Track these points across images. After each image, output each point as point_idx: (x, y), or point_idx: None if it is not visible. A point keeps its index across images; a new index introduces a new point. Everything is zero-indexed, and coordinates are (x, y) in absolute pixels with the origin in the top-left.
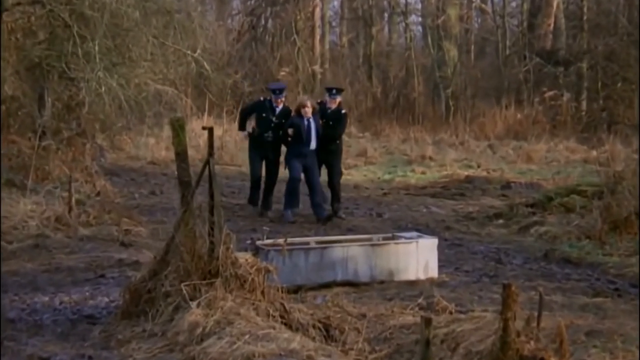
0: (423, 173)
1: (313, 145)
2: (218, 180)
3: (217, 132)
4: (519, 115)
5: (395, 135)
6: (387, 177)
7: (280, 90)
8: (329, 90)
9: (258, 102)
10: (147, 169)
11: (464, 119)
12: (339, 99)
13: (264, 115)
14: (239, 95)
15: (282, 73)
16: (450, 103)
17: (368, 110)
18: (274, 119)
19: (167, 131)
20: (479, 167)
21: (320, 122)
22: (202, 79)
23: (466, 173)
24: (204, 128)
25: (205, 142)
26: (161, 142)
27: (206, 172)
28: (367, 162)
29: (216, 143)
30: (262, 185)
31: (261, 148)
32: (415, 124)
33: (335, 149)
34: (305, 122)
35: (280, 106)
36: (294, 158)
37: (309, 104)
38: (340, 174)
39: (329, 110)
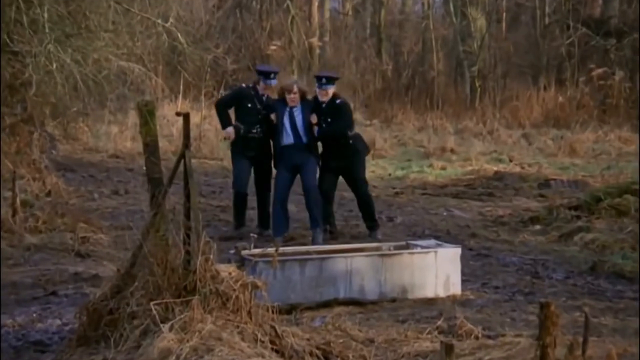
0: (443, 168)
1: (304, 139)
2: (196, 177)
3: (194, 118)
4: (560, 98)
5: (409, 123)
6: (399, 173)
7: (273, 74)
8: (318, 79)
9: (240, 90)
10: (108, 164)
11: (492, 102)
12: (331, 89)
13: (249, 105)
14: (220, 74)
15: (273, 47)
16: (477, 84)
17: (377, 92)
18: (259, 107)
19: (133, 117)
20: (511, 161)
21: (316, 119)
22: (175, 54)
23: (496, 168)
24: (178, 114)
25: (179, 130)
26: (126, 131)
27: (181, 167)
28: (376, 155)
29: (193, 132)
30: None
31: (248, 149)
32: (434, 109)
33: (348, 151)
34: (287, 111)
35: (267, 93)
36: (278, 163)
37: (295, 88)
38: (365, 182)
39: (323, 105)
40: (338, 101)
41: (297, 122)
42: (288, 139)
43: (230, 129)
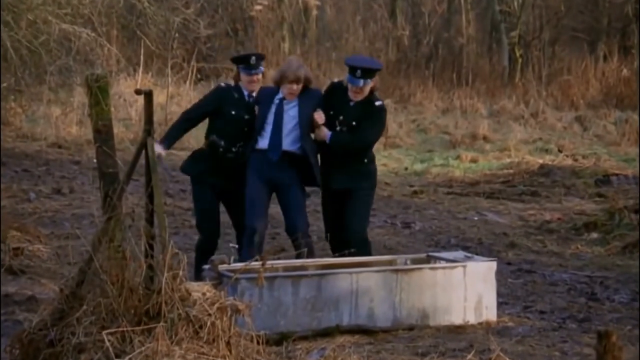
0: (474, 161)
1: (275, 153)
2: (161, 172)
3: (158, 98)
4: (624, 71)
5: (431, 104)
6: (418, 167)
7: (255, 58)
8: (352, 70)
9: (219, 92)
10: (48, 155)
11: (537, 77)
12: (369, 86)
13: (232, 113)
14: (191, 41)
15: (258, 7)
16: (517, 53)
17: (390, 65)
18: (247, 114)
19: (80, 96)
20: (560, 151)
21: (340, 122)
22: (134, 15)
23: (541, 161)
24: (138, 92)
25: (139, 113)
26: (71, 114)
27: (142, 159)
28: (389, 144)
29: (157, 115)
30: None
31: (218, 175)
32: (462, 85)
33: (362, 171)
34: (274, 104)
35: (253, 89)
36: (253, 175)
37: (302, 77)
38: (366, 221)
39: (351, 103)
40: (378, 103)
41: (284, 120)
42: (263, 142)
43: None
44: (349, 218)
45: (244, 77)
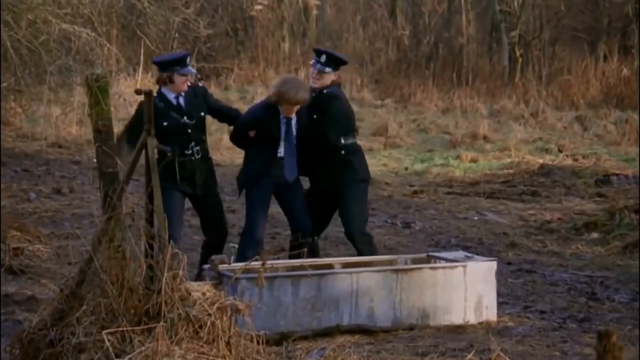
0: (474, 161)
1: (291, 173)
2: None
3: None
4: (625, 71)
5: (431, 104)
6: (418, 167)
7: (186, 58)
8: (317, 53)
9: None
10: (48, 155)
11: (537, 77)
12: (330, 75)
13: (164, 124)
14: (191, 41)
15: (258, 7)
16: (517, 53)
17: (390, 64)
18: (183, 117)
19: (80, 96)
20: (560, 151)
21: (304, 114)
22: (134, 15)
23: (541, 161)
24: (138, 92)
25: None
26: (71, 113)
27: (142, 159)
28: (389, 144)
29: None
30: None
31: (183, 179)
32: (462, 85)
33: (338, 168)
34: (283, 122)
35: (184, 90)
36: (255, 190)
37: (303, 98)
38: (363, 218)
39: (313, 93)
40: (326, 91)
41: (292, 132)
42: (282, 150)
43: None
44: (343, 219)
45: (179, 78)
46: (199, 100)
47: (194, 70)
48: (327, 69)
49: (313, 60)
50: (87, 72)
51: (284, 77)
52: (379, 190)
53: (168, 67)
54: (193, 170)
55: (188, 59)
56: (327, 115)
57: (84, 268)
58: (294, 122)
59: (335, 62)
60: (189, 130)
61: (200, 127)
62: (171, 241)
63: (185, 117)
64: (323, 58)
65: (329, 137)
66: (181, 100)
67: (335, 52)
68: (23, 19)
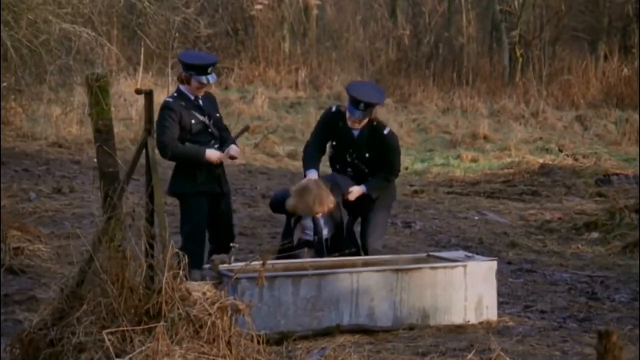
0: (474, 161)
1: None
2: (161, 171)
3: (159, 97)
4: (625, 71)
5: (431, 103)
6: (419, 166)
7: (211, 67)
8: (354, 102)
9: (168, 107)
10: (49, 154)
11: (538, 76)
12: (367, 117)
13: (192, 122)
14: (191, 40)
15: (258, 7)
16: (517, 52)
17: (390, 64)
18: (204, 116)
19: (80, 96)
20: (561, 151)
21: (351, 155)
22: (134, 15)
23: (541, 160)
24: (138, 91)
25: (140, 112)
26: (71, 113)
27: (142, 159)
28: None
29: (158, 114)
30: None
31: (210, 181)
32: (463, 85)
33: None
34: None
35: (199, 95)
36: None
37: (326, 203)
38: (384, 236)
39: (355, 132)
40: (386, 132)
41: (322, 230)
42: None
43: (216, 156)
44: (366, 232)
45: (195, 83)
46: (212, 103)
47: (213, 80)
48: (365, 114)
49: (349, 105)
50: (88, 72)
51: (304, 184)
52: None
53: (187, 68)
54: (215, 171)
55: (210, 69)
56: (393, 157)
57: (84, 268)
58: (322, 221)
59: (372, 106)
60: (209, 130)
61: (217, 128)
62: (171, 241)
63: (205, 117)
64: (362, 106)
65: (392, 172)
66: (199, 101)
67: (372, 97)
68: (23, 19)
